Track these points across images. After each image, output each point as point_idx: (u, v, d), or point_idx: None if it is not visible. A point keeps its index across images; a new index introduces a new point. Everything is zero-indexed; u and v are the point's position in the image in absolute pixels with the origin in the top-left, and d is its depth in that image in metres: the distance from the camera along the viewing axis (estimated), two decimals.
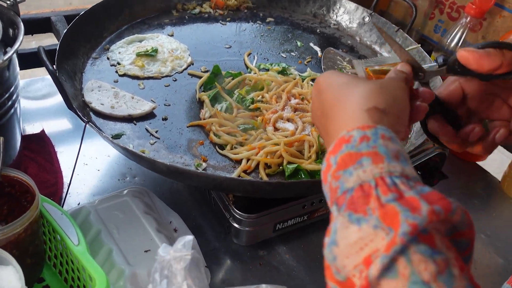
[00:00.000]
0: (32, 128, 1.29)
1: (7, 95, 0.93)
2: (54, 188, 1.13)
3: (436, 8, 1.52)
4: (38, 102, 1.39)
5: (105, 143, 0.98)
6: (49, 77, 1.45)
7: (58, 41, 1.37)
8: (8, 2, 1.01)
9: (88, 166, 1.19)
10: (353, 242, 0.47)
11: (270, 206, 0.98)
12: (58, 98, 1.41)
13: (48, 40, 1.60)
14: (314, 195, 1.00)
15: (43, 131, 1.26)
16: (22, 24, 0.98)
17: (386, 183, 0.48)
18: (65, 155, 1.21)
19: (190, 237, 0.65)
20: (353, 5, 1.47)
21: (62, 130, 1.32)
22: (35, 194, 0.86)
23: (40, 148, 1.22)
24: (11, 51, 0.88)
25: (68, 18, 1.42)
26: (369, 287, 0.44)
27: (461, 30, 1.40)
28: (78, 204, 1.10)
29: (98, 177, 1.17)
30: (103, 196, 1.03)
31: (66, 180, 1.16)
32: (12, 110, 0.97)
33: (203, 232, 1.06)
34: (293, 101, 1.14)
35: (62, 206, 1.03)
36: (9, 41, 1.00)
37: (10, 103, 0.95)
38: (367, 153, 0.50)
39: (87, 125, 0.93)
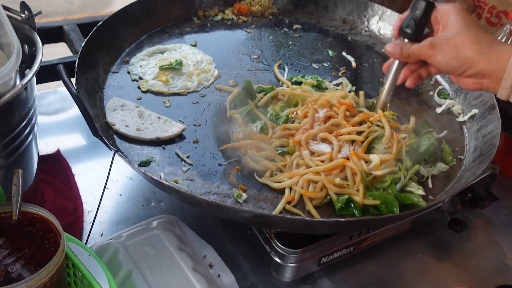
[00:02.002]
0: (46, 147, 1.19)
1: (26, 121, 0.84)
2: (74, 216, 1.04)
3: (473, 12, 1.42)
4: (51, 118, 1.29)
5: (126, 164, 0.88)
6: (62, 89, 1.36)
7: (72, 52, 1.28)
8: (22, 15, 0.91)
9: (109, 190, 1.09)
10: None
11: (316, 239, 0.89)
12: (72, 113, 1.32)
13: (57, 50, 1.50)
14: None
15: (58, 151, 1.17)
16: (40, 41, 0.88)
17: None
18: (83, 178, 1.12)
19: None
20: (386, 10, 1.38)
21: (77, 147, 1.22)
22: (59, 234, 0.77)
23: (56, 171, 1.12)
24: (30, 74, 0.79)
25: (82, 26, 1.33)
26: None
27: (505, 38, 1.30)
28: (101, 235, 1.01)
29: (120, 203, 1.07)
30: (130, 228, 0.93)
31: (86, 206, 1.06)
32: (31, 136, 0.88)
33: (238, 265, 0.97)
34: (321, 113, 1.03)
35: (87, 241, 0.93)
36: (24, 58, 0.90)
37: (29, 129, 0.86)
38: None
39: (115, 154, 0.83)
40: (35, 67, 0.80)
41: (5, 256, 0.75)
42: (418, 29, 0.91)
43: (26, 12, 0.91)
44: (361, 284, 0.98)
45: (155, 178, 0.79)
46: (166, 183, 0.79)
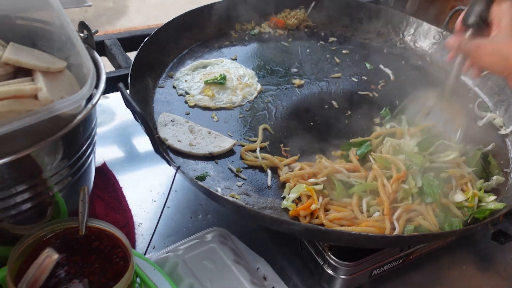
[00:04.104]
0: None
1: (90, 140, 0.86)
2: (126, 229, 1.06)
3: None
4: None
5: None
6: (101, 102, 1.38)
7: (114, 67, 1.30)
8: (81, 34, 0.94)
9: (156, 203, 1.12)
10: None
11: (370, 251, 0.90)
12: (112, 125, 1.34)
13: None
14: None
15: (104, 164, 1.19)
16: (100, 59, 0.90)
17: None
18: (130, 191, 1.14)
19: None
20: (422, 23, 1.40)
21: (120, 160, 1.24)
22: (126, 249, 0.79)
23: (105, 184, 1.14)
24: (98, 94, 0.81)
25: (122, 41, 1.35)
26: None
27: None
28: (154, 247, 1.03)
29: (169, 215, 1.09)
30: (185, 241, 0.95)
31: (135, 219, 1.09)
32: (92, 154, 0.90)
33: (288, 277, 0.99)
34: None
35: (144, 254, 0.95)
36: None
37: (92, 147, 0.88)
38: None
39: (177, 170, 0.85)
40: (102, 86, 0.82)
41: (76, 271, 0.77)
42: (479, 19, 0.92)
43: (85, 31, 0.94)
44: None
45: (219, 194, 0.82)
46: (230, 199, 0.82)
